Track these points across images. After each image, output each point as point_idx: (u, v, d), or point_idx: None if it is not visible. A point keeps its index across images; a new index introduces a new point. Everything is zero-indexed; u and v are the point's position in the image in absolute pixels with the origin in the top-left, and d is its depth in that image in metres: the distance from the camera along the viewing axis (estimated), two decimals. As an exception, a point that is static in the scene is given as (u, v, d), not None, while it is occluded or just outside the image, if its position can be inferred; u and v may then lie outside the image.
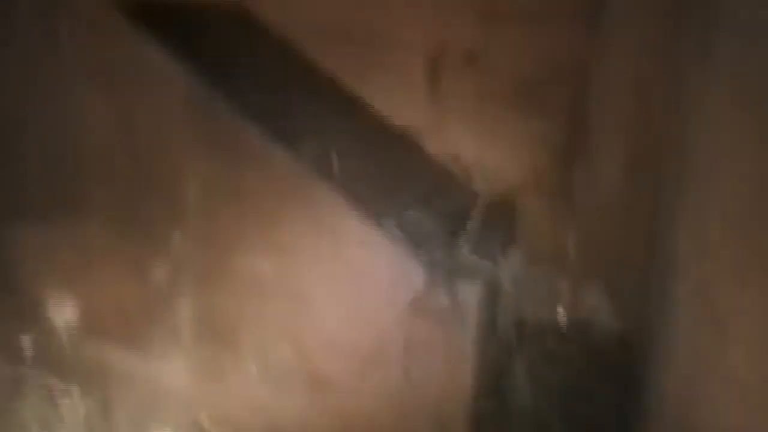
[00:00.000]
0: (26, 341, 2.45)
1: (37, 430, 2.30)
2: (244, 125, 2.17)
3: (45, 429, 2.31)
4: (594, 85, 2.30)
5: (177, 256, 2.23)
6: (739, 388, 1.35)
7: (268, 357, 2.18)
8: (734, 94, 1.57)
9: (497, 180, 2.35)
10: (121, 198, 2.27)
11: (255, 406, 2.22)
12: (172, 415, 2.30)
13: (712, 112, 1.71)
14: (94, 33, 2.26)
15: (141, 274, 2.27)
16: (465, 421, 2.09)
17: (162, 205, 2.22)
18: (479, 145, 2.36)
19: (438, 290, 2.04)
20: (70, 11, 2.22)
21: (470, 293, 2.05)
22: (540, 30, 2.36)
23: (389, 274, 2.07)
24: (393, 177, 2.28)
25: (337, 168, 2.16)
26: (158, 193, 2.22)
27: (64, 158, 2.32)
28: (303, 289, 2.14)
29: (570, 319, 2.22)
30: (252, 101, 2.22)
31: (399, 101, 2.39)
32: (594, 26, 2.30)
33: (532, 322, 2.20)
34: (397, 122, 2.36)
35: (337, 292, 2.12)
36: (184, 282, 2.24)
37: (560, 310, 2.23)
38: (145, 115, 2.23)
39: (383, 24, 2.44)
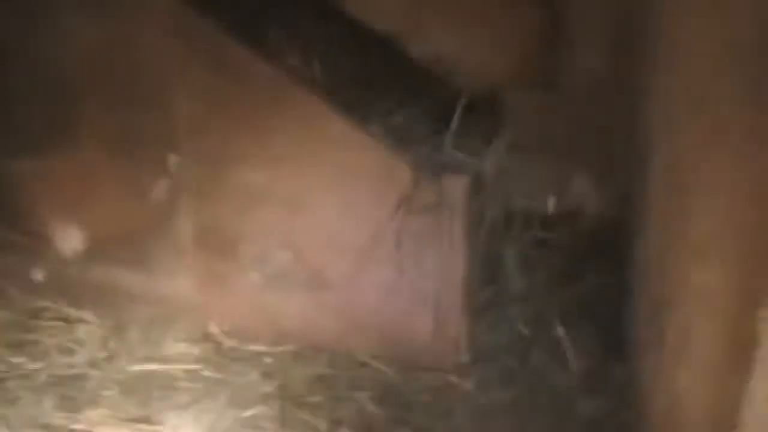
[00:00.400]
0: (38, 272, 2.54)
1: (58, 356, 2.37)
2: (228, 40, 2.20)
3: (65, 354, 2.38)
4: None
5: (174, 174, 2.29)
6: (704, 256, 1.41)
7: (268, 263, 2.26)
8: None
9: (480, 75, 2.38)
10: (114, 121, 2.32)
11: (260, 311, 2.31)
12: (183, 327, 2.39)
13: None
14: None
15: (141, 195, 2.33)
16: (461, 310, 2.16)
17: (155, 125, 2.27)
18: (460, 42, 2.39)
19: (426, 186, 2.09)
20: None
21: (457, 187, 2.09)
22: None
23: (378, 173, 2.12)
24: (377, 80, 2.33)
25: (321, 74, 2.21)
26: (150, 113, 2.27)
27: (53, 86, 2.36)
28: (297, 195, 2.20)
29: (558, 205, 2.28)
30: (234, 16, 2.26)
31: (377, 4, 2.42)
32: None
33: (522, 210, 2.26)
34: (377, 26, 2.40)
35: (330, 194, 2.17)
36: (182, 198, 2.31)
37: (549, 197, 2.29)
38: (130, 36, 2.26)
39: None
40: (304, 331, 2.27)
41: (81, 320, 2.49)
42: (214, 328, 2.37)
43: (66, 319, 2.50)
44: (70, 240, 2.48)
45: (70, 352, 2.39)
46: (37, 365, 2.34)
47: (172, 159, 2.28)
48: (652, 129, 1.97)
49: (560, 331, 2.13)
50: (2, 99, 2.42)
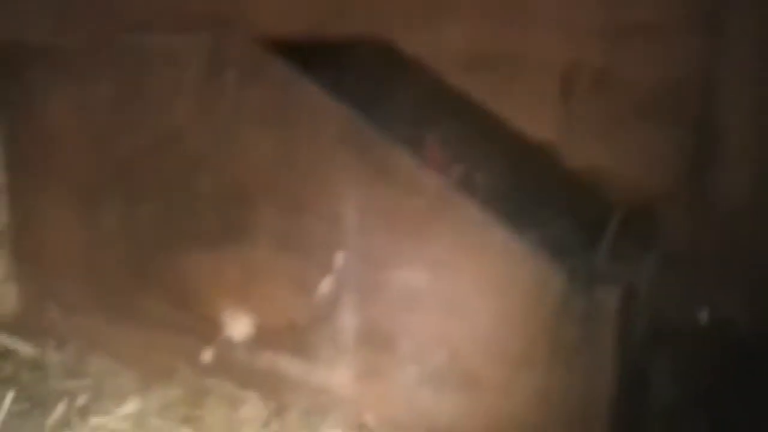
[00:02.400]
0: (207, 354, 2.74)
1: (221, 432, 2.56)
2: (394, 149, 2.37)
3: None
4: (721, 93, 2.39)
5: (338, 273, 2.45)
6: None
7: (424, 361, 2.37)
8: None
9: (633, 189, 2.45)
10: (285, 223, 2.51)
11: (414, 406, 2.41)
12: (340, 416, 2.52)
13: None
14: (256, 79, 2.53)
15: (306, 290, 2.50)
16: (608, 421, 2.20)
17: (323, 227, 2.45)
18: (613, 157, 2.47)
19: (578, 296, 2.17)
20: (235, 65, 2.49)
21: (610, 297, 2.16)
22: (664, 43, 2.46)
23: (532, 282, 2.22)
24: (532, 192, 2.43)
25: (482, 186, 2.33)
26: (319, 216, 2.45)
27: (233, 190, 2.59)
28: (454, 299, 2.31)
29: (708, 320, 2.31)
30: (400, 129, 2.42)
31: (535, 119, 2.54)
32: (715, 35, 2.39)
33: (671, 323, 2.30)
34: (534, 139, 2.51)
35: (486, 300, 2.28)
36: (345, 295, 2.46)
37: (700, 310, 2.32)
38: (304, 146, 2.46)
39: (518, 49, 2.59)
40: (454, 429, 2.36)
41: (245, 401, 2.66)
42: (368, 420, 2.49)
43: (231, 399, 2.67)
44: (238, 327, 2.67)
45: (232, 430, 2.56)
46: (203, 439, 2.53)
47: (338, 258, 2.44)
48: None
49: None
50: (186, 200, 2.66)
